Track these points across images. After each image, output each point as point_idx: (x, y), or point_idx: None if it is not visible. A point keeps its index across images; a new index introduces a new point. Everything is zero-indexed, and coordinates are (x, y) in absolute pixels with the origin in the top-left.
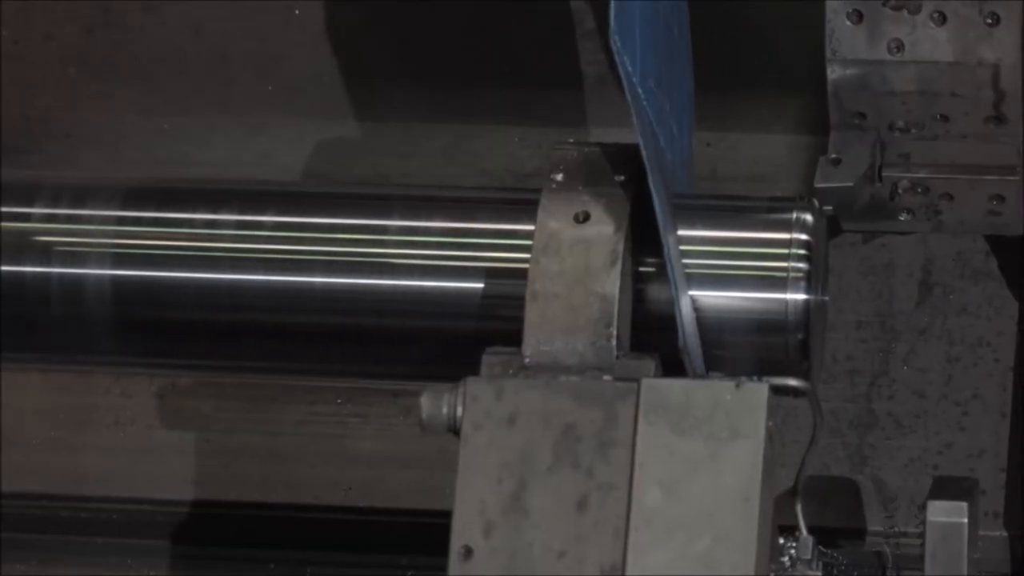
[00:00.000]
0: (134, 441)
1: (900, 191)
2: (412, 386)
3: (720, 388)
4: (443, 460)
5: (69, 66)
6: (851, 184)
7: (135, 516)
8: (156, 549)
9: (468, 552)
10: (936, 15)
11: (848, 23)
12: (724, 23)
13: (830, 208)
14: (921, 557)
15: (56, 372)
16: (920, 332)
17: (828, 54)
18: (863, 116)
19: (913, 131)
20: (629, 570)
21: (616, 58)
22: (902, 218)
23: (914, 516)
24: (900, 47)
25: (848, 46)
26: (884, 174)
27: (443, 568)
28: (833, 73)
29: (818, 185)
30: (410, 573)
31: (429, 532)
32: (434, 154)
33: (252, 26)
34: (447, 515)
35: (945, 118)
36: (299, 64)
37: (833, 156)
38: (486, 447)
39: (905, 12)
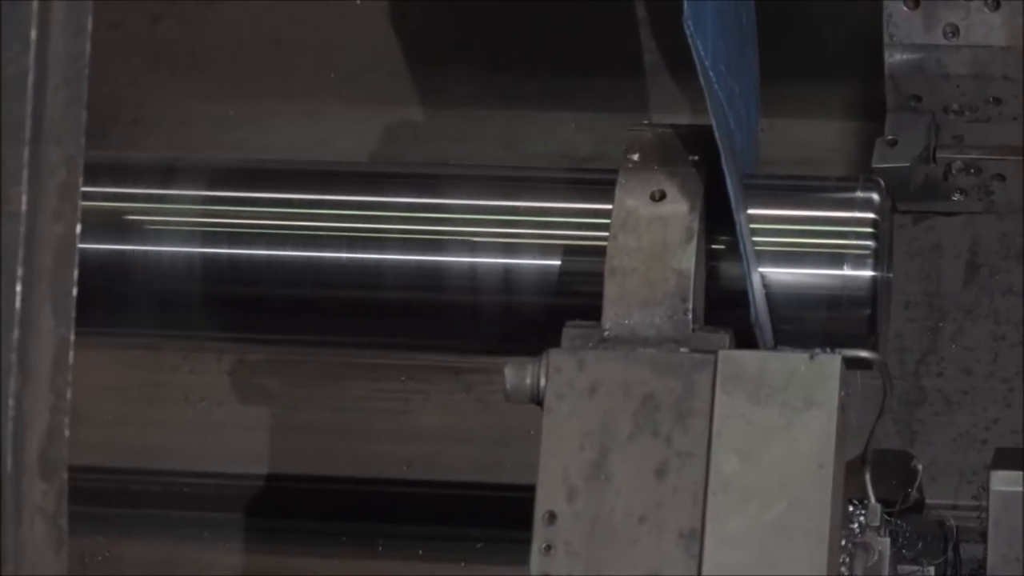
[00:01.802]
0: (202, 417)
1: (953, 172)
2: (474, 363)
3: (795, 359)
4: (503, 436)
5: (134, 55)
6: (907, 165)
7: (204, 489)
8: (228, 522)
9: (552, 517)
10: (990, 1)
11: (905, 8)
12: (774, 11)
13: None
14: (977, 528)
15: (125, 350)
16: (967, 311)
17: (886, 39)
18: (919, 99)
19: (967, 113)
20: (707, 534)
21: (689, 42)
22: (955, 198)
23: (960, 489)
24: (955, 32)
25: (905, 31)
26: (938, 155)
27: (508, 540)
28: (890, 57)
29: (875, 165)
30: (479, 545)
31: (489, 505)
32: (489, 139)
33: (310, 15)
34: (506, 488)
35: (998, 101)
36: (356, 52)
37: (890, 138)
38: (568, 416)
39: None
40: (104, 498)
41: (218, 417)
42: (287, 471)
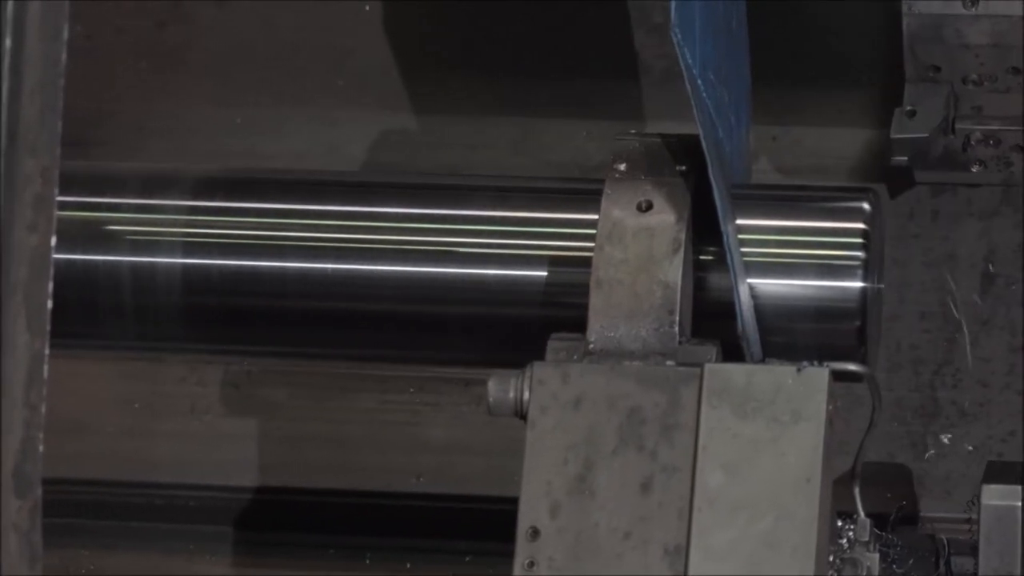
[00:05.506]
0: (208, 429)
1: (972, 143)
2: (483, 375)
3: (782, 372)
4: (513, 448)
5: (140, 59)
6: (926, 135)
7: (208, 503)
8: (232, 536)
9: (535, 533)
10: None
11: None
12: (787, 17)
13: (905, 158)
14: (968, 542)
15: (131, 361)
16: (983, 323)
17: (904, 8)
18: (937, 69)
19: (986, 84)
20: (693, 549)
21: (677, 50)
22: (974, 169)
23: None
24: (974, 1)
25: (924, 1)
26: (957, 126)
27: (502, 553)
28: (909, 27)
29: (894, 136)
30: (468, 558)
31: (501, 518)
32: (502, 146)
33: (322, 20)
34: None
35: (1016, 71)
36: (368, 58)
37: (908, 108)
38: (552, 430)
39: None
40: (111, 510)
41: (225, 429)
42: (293, 484)
